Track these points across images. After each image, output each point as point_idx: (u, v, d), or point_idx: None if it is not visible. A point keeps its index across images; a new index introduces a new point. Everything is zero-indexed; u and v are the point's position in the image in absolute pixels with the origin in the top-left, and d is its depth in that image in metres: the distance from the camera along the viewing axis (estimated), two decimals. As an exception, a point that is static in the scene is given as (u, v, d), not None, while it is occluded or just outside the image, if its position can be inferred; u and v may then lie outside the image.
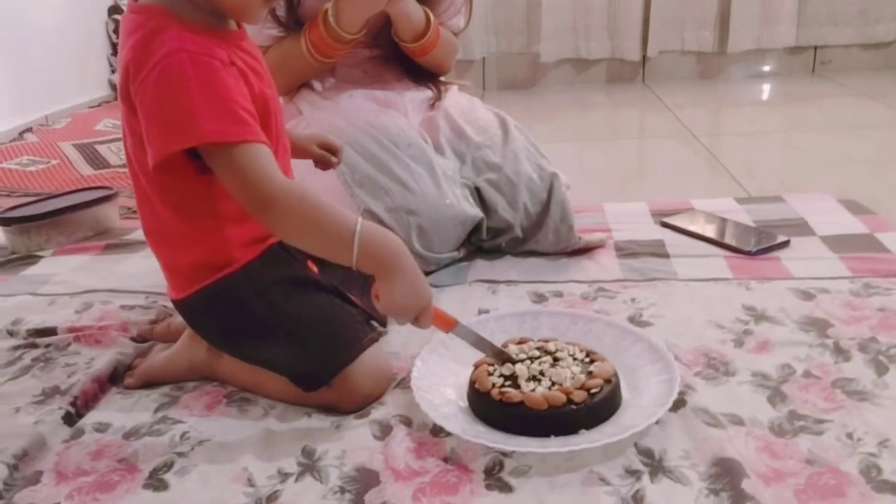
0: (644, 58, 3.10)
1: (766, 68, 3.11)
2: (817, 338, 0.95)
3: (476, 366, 0.85)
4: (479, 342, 0.85)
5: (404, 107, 1.28)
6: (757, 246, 1.23)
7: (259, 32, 1.19)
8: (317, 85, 1.30)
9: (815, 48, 3.07)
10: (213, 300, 0.85)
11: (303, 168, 0.98)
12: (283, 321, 0.84)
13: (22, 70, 2.52)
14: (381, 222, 1.13)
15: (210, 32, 0.76)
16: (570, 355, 0.84)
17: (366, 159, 1.16)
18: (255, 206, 0.74)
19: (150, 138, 0.74)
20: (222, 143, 0.72)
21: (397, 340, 0.98)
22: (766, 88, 2.98)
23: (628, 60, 3.08)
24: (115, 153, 2.15)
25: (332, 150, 1.00)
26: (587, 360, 0.84)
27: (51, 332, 1.06)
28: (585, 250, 1.26)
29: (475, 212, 1.21)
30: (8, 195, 1.84)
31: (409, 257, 0.78)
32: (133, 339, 1.04)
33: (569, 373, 0.80)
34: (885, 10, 2.96)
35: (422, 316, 0.78)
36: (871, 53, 3.04)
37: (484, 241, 1.25)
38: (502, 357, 0.84)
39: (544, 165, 1.26)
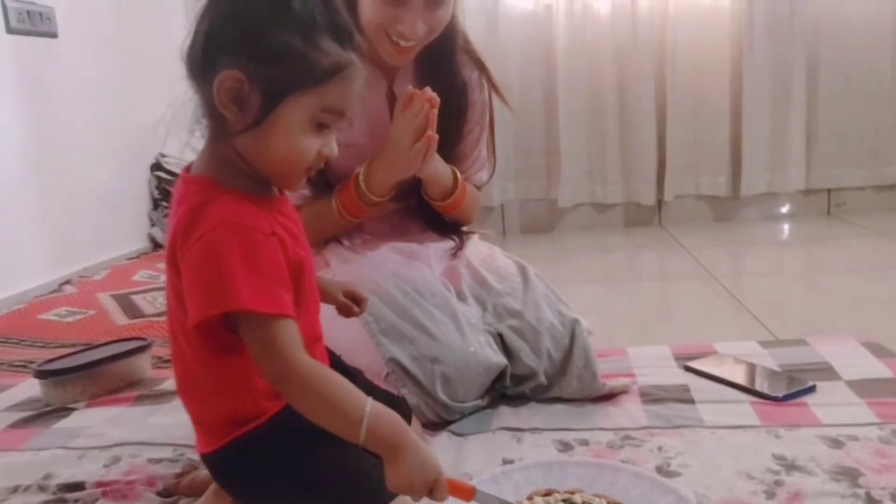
0: (660, 202, 3.19)
1: (783, 210, 3.18)
2: (849, 488, 0.93)
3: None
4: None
5: (427, 257, 1.34)
6: (784, 391, 1.23)
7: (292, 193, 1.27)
8: (345, 240, 1.37)
9: (829, 190, 3.14)
10: (241, 453, 0.86)
11: (327, 313, 1.01)
12: (311, 474, 0.85)
13: (65, 224, 2.65)
14: (406, 370, 1.16)
15: (254, 200, 0.82)
16: (597, 509, 0.83)
17: (390, 308, 1.20)
18: (274, 377, 0.79)
19: (191, 300, 0.78)
20: (255, 312, 0.76)
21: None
22: (783, 230, 3.03)
23: (644, 205, 3.17)
24: (149, 303, 2.22)
25: (358, 300, 1.04)
26: (614, 513, 0.83)
27: (79, 486, 1.07)
28: (610, 396, 1.26)
29: (499, 359, 1.22)
30: (44, 347, 1.89)
31: (413, 436, 0.79)
32: (159, 494, 1.04)
33: (596, 527, 0.79)
34: (895, 150, 3.05)
35: (435, 489, 0.79)
36: (885, 195, 3.11)
37: (508, 389, 1.26)
38: None
39: (565, 311, 1.29)
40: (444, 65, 1.32)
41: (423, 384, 1.16)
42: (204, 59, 0.78)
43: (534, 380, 1.25)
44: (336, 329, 1.02)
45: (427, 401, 1.17)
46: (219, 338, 0.81)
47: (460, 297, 1.28)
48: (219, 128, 0.81)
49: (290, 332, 0.78)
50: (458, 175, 1.33)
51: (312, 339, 0.91)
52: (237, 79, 0.76)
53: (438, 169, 1.28)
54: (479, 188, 1.43)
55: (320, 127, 0.81)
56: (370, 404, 0.78)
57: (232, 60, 0.76)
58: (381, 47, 1.25)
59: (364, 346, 1.16)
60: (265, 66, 0.76)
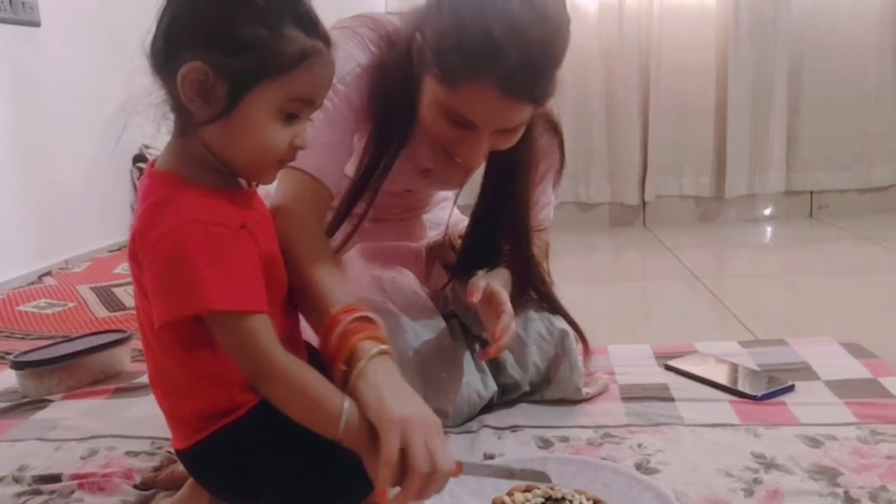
0: (644, 202, 3.20)
1: (766, 212, 3.21)
2: (827, 487, 0.94)
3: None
4: (496, 472, 0.86)
5: (413, 260, 1.31)
6: (763, 391, 1.23)
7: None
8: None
9: (812, 193, 3.17)
10: (216, 448, 0.85)
11: None
12: (288, 468, 0.84)
13: (45, 215, 2.62)
14: None
15: (222, 194, 0.81)
16: (577, 504, 0.83)
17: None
18: (252, 374, 0.79)
19: (156, 301, 0.77)
20: (226, 311, 0.76)
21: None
22: (766, 231, 3.06)
23: (628, 205, 3.18)
24: (130, 296, 2.20)
25: None
26: (594, 509, 0.83)
27: (55, 478, 1.06)
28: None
29: (490, 388, 1.20)
30: (22, 338, 1.87)
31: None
32: (136, 487, 1.03)
33: (575, 523, 0.79)
34: (879, 154, 3.08)
35: None
36: (867, 197, 3.14)
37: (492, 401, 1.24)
38: (526, 476, 0.86)
39: (554, 321, 1.25)
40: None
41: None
42: (166, 53, 0.77)
43: (517, 390, 1.24)
44: None
45: None
46: (187, 333, 0.80)
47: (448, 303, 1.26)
48: (185, 121, 0.80)
49: (265, 328, 0.78)
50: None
51: (285, 331, 0.89)
52: (201, 70, 0.75)
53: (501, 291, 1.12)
54: (544, 229, 1.31)
55: (290, 117, 0.80)
56: (348, 401, 0.79)
57: (195, 53, 0.75)
58: (435, 156, 1.11)
59: None
60: (229, 57, 0.75)
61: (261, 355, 0.77)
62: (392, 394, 0.79)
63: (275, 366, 0.78)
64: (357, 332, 0.84)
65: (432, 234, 1.38)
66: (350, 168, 1.14)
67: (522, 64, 0.93)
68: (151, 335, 0.84)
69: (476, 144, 1.02)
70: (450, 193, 1.45)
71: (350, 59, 1.07)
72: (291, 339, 0.90)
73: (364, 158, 1.11)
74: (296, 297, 0.91)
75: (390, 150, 1.10)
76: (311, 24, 0.79)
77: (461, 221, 1.40)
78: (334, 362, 0.84)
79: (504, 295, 1.10)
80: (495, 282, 1.13)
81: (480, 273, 1.18)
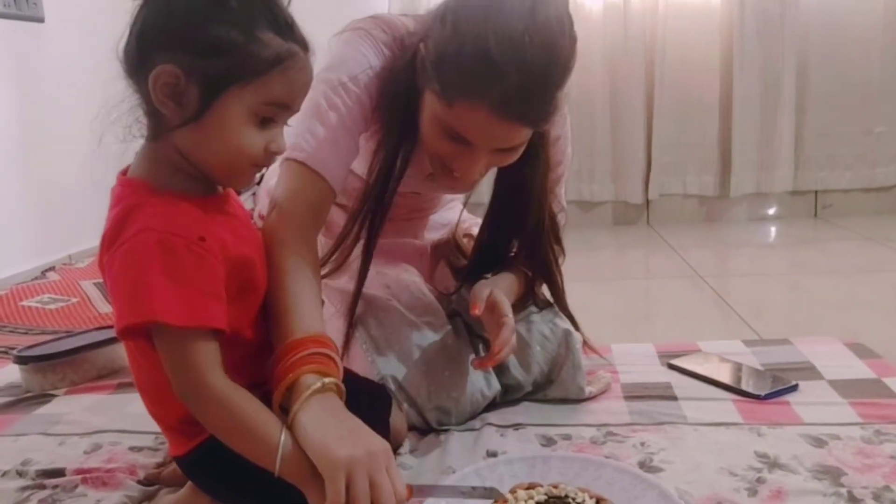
0: (648, 200, 3.20)
1: (770, 211, 3.20)
2: (831, 486, 0.94)
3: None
4: (448, 491, 0.86)
5: (417, 258, 1.32)
6: (767, 390, 1.23)
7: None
8: None
9: (816, 192, 3.16)
10: (210, 455, 0.84)
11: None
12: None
13: (49, 210, 2.62)
14: (402, 389, 1.13)
15: (191, 200, 0.80)
16: (580, 502, 0.83)
17: (383, 326, 1.16)
18: (182, 394, 0.77)
19: (114, 308, 0.77)
20: (168, 324, 0.75)
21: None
22: (770, 231, 3.05)
23: (632, 203, 3.18)
24: (133, 292, 2.20)
25: None
26: (597, 507, 0.83)
27: (59, 473, 1.06)
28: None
29: (494, 388, 1.20)
30: (25, 333, 1.88)
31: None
32: (140, 482, 1.03)
33: (578, 521, 0.79)
34: (883, 153, 3.07)
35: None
36: (872, 197, 3.12)
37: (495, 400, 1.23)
38: (478, 494, 0.85)
39: (558, 322, 1.25)
40: None
41: (419, 404, 1.13)
42: (139, 57, 0.77)
43: (520, 391, 1.24)
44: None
45: (419, 418, 1.14)
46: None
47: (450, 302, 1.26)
48: (157, 125, 0.79)
49: (206, 348, 0.77)
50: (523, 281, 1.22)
51: (264, 343, 0.88)
52: (172, 73, 0.75)
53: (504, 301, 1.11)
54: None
55: (264, 121, 0.79)
56: (284, 433, 0.77)
57: (167, 56, 0.75)
58: (434, 169, 1.10)
59: (358, 356, 1.14)
60: (201, 59, 0.75)
61: (195, 376, 0.76)
62: (334, 432, 0.76)
63: (209, 389, 0.76)
64: (302, 365, 0.81)
65: (438, 234, 1.38)
66: (357, 167, 1.13)
67: (520, 87, 0.91)
68: (133, 343, 0.84)
69: (473, 161, 1.01)
70: (459, 195, 1.45)
71: (363, 61, 1.06)
72: (271, 348, 0.88)
73: (375, 162, 1.10)
74: (266, 301, 0.89)
75: (399, 153, 1.09)
76: (286, 28, 0.79)
77: (467, 220, 1.40)
78: (275, 390, 0.82)
79: (506, 305, 1.09)
80: (499, 289, 1.12)
81: (485, 279, 1.18)
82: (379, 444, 0.77)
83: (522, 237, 1.21)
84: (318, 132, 1.02)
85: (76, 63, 2.72)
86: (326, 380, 0.80)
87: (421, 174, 1.18)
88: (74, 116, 2.71)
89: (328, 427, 0.77)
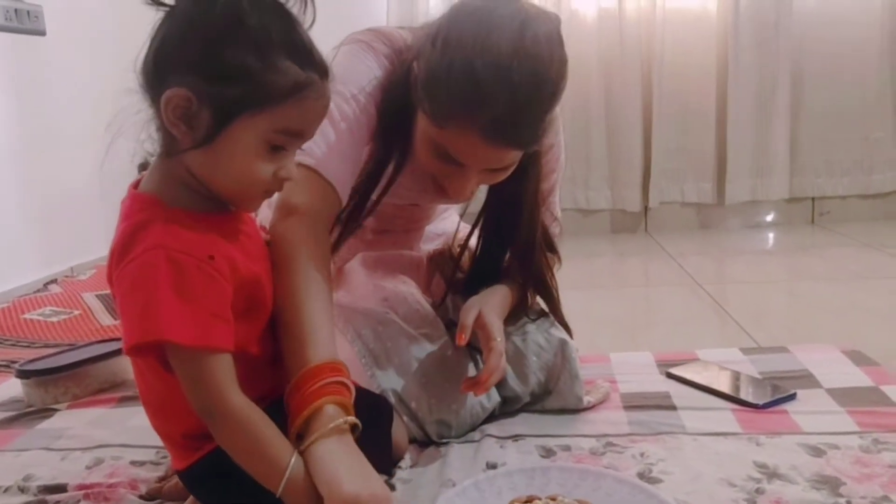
0: (646, 208, 3.21)
1: (768, 218, 3.21)
2: (830, 496, 0.94)
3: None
4: None
5: (413, 268, 1.32)
6: (766, 399, 1.23)
7: None
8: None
9: (813, 199, 3.17)
10: (212, 469, 0.85)
11: None
12: None
13: (51, 223, 2.63)
14: (402, 402, 1.13)
15: (201, 219, 0.80)
16: (579, 515, 0.84)
17: (378, 340, 1.15)
18: (203, 412, 0.78)
19: (123, 326, 0.77)
20: (180, 344, 0.75)
21: None
22: (767, 238, 3.06)
23: (629, 211, 3.18)
24: (133, 304, 2.21)
25: None
26: (596, 519, 0.84)
27: (61, 489, 1.06)
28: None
29: (492, 404, 1.20)
30: (27, 346, 1.88)
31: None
32: (141, 497, 1.04)
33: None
34: (880, 160, 3.08)
35: None
36: (869, 203, 3.13)
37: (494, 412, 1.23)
38: None
39: (553, 332, 1.25)
40: None
41: (420, 418, 1.14)
42: (154, 74, 0.76)
43: (518, 402, 1.24)
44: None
45: (419, 431, 1.14)
46: (165, 357, 0.79)
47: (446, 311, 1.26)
48: (170, 143, 0.79)
49: (221, 367, 0.77)
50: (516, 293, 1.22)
51: (269, 356, 0.89)
52: (185, 97, 0.74)
53: (494, 320, 1.12)
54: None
55: (276, 148, 0.79)
56: (294, 457, 0.78)
57: (181, 78, 0.74)
58: (426, 186, 1.11)
59: (357, 370, 1.14)
60: (216, 85, 0.74)
61: (213, 393, 0.76)
62: (346, 469, 0.79)
63: (226, 405, 0.77)
64: (323, 395, 0.82)
65: (433, 245, 1.38)
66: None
67: (508, 111, 0.92)
68: (141, 359, 0.84)
69: (465, 181, 1.03)
70: (454, 205, 1.46)
71: (369, 72, 1.07)
72: (276, 362, 0.89)
73: (363, 174, 1.10)
74: (277, 317, 0.89)
75: (388, 166, 1.10)
76: (306, 55, 0.78)
77: (461, 230, 1.41)
78: (294, 417, 0.82)
79: (495, 328, 1.10)
80: (489, 306, 1.13)
81: (476, 296, 1.17)
82: (383, 490, 0.79)
83: (514, 249, 1.21)
84: (329, 140, 1.02)
85: (77, 76, 2.74)
86: (350, 419, 0.83)
87: (421, 186, 1.19)
88: (75, 129, 2.73)
89: (342, 463, 0.79)
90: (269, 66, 0.75)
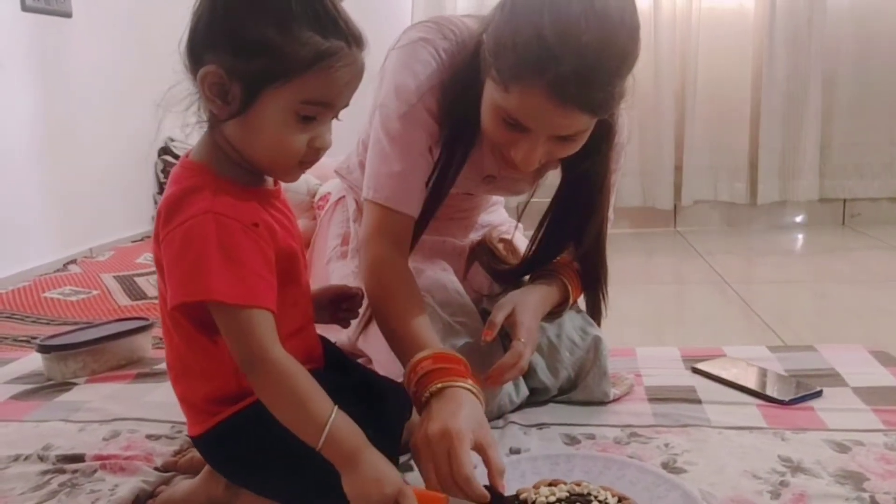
0: (676, 206, 3.17)
1: (798, 219, 3.17)
2: (853, 491, 0.92)
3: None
4: None
5: (451, 257, 1.31)
6: (791, 395, 1.21)
7: None
8: None
9: (845, 201, 3.12)
10: (230, 434, 0.86)
11: None
12: (301, 454, 0.82)
13: (72, 204, 2.65)
14: None
15: (245, 189, 0.82)
16: (602, 500, 0.82)
17: None
18: (246, 366, 0.78)
19: (170, 286, 0.79)
20: (226, 303, 0.77)
21: None
22: (797, 239, 3.02)
23: (660, 209, 3.15)
24: (152, 285, 2.21)
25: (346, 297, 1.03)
26: (619, 505, 0.82)
27: (79, 458, 1.07)
28: (616, 396, 1.25)
29: (520, 398, 1.19)
30: (48, 323, 1.89)
31: (372, 451, 0.79)
32: (157, 469, 1.04)
33: (600, 518, 0.78)
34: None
35: (401, 502, 0.78)
36: (901, 207, 3.08)
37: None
38: None
39: (588, 329, 1.23)
40: None
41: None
42: (192, 54, 0.79)
43: (545, 395, 1.22)
44: (372, 336, 1.06)
45: None
46: (202, 317, 0.81)
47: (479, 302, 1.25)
48: (211, 117, 0.82)
49: (265, 324, 0.78)
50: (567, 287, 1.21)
51: (299, 327, 0.90)
52: (216, 73, 0.77)
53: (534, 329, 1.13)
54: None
55: (306, 119, 0.79)
56: (335, 411, 0.78)
57: (213, 55, 0.77)
58: (495, 155, 1.09)
59: (388, 356, 1.11)
60: (241, 60, 0.76)
61: (256, 346, 0.77)
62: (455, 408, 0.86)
63: (268, 358, 0.77)
64: (456, 372, 0.93)
65: (477, 235, 1.37)
66: None
67: (575, 70, 0.90)
68: (169, 318, 0.86)
69: (531, 149, 0.99)
70: (501, 199, 1.44)
71: (420, 73, 1.07)
72: (304, 333, 0.91)
73: (435, 164, 1.10)
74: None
75: (457, 154, 1.09)
76: (330, 25, 0.78)
77: (504, 223, 1.40)
78: (426, 374, 0.92)
79: (524, 327, 1.09)
80: (525, 305, 1.12)
81: (513, 292, 1.16)
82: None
83: (581, 239, 1.19)
84: (392, 168, 1.06)
85: (103, 58, 2.75)
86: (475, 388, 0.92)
87: (478, 176, 1.18)
88: (98, 111, 2.75)
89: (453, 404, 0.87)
90: (290, 38, 0.76)
